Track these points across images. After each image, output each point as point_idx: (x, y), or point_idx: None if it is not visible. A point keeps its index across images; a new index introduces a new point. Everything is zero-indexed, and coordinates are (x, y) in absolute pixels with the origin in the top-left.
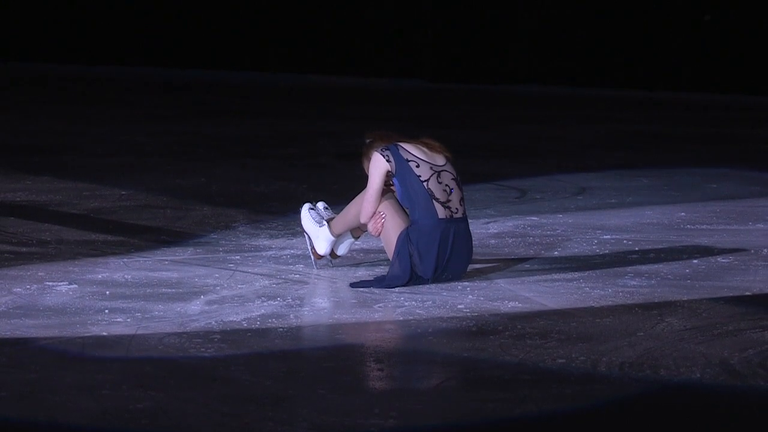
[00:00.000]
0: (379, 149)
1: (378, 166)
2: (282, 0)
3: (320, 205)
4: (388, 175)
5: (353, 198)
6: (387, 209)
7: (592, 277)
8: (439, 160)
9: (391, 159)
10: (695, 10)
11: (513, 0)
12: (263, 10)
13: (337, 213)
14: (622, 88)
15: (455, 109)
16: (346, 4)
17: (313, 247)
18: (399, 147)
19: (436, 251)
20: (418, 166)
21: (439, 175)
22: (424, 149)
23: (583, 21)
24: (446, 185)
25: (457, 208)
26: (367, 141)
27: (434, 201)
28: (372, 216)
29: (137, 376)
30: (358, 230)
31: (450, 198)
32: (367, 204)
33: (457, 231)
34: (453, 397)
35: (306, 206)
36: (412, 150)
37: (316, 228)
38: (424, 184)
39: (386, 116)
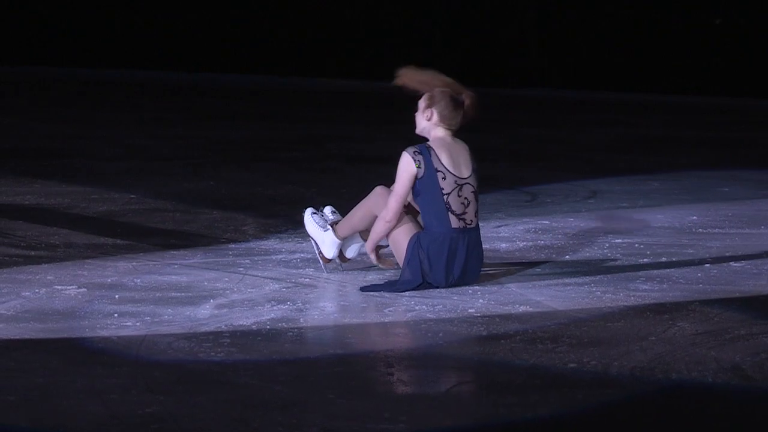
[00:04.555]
0: (412, 152)
1: (408, 169)
2: (290, 3)
3: (327, 209)
4: (414, 178)
5: (360, 201)
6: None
7: (603, 281)
8: (465, 170)
9: (422, 165)
10: (706, 13)
11: (523, 3)
12: (271, 14)
13: (341, 216)
14: (633, 92)
15: None
16: (354, 7)
17: (320, 252)
18: (432, 152)
19: (446, 259)
20: (444, 179)
21: (461, 189)
22: (452, 152)
23: (594, 25)
24: (465, 198)
25: (471, 220)
26: (428, 94)
27: (450, 213)
28: (395, 215)
29: (146, 381)
30: (366, 232)
31: (466, 210)
32: (392, 203)
33: (469, 241)
34: (464, 402)
35: (308, 211)
36: (443, 157)
37: (321, 232)
38: (445, 197)
39: (396, 119)
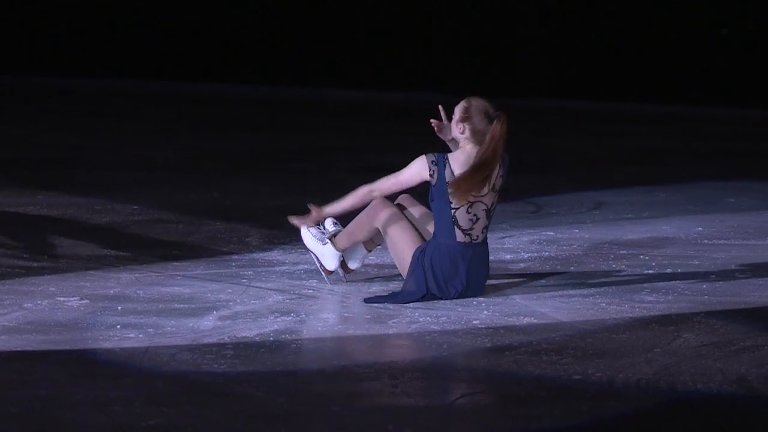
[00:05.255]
0: (429, 160)
1: (419, 172)
2: (295, 14)
3: (328, 221)
4: (422, 181)
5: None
6: (400, 226)
7: (608, 292)
8: (483, 188)
9: (435, 176)
10: (713, 24)
11: (528, 13)
12: (277, 24)
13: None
14: (638, 103)
15: None
16: (359, 17)
17: (321, 265)
18: (447, 165)
19: (449, 271)
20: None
21: (471, 206)
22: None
23: (600, 35)
24: (474, 215)
25: (477, 236)
26: (465, 105)
27: (456, 226)
28: (383, 193)
29: (149, 393)
30: (371, 243)
31: (473, 227)
32: (390, 183)
33: (473, 255)
34: (468, 414)
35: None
36: (457, 168)
37: (320, 245)
38: (452, 211)
39: (400, 130)
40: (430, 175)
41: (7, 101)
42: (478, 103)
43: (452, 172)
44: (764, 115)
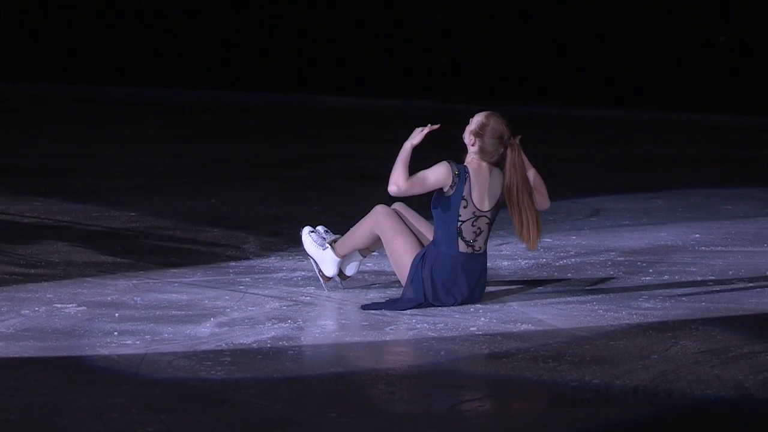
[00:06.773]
0: (453, 170)
1: (444, 177)
2: (293, 21)
3: (320, 228)
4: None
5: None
6: (401, 234)
7: (605, 299)
8: (488, 203)
9: (454, 186)
10: (710, 31)
11: (527, 21)
12: (275, 31)
13: (337, 234)
14: (637, 110)
15: None
16: (358, 25)
17: (320, 270)
18: (468, 180)
19: (450, 281)
20: (465, 207)
21: (476, 220)
22: (483, 185)
23: (598, 42)
24: (478, 228)
25: (480, 247)
26: (483, 120)
27: (459, 238)
28: (401, 190)
29: (146, 400)
30: (366, 250)
31: (476, 239)
32: (409, 185)
33: (474, 266)
34: (465, 421)
35: (306, 230)
36: (474, 190)
37: (320, 251)
38: (459, 223)
39: (399, 137)
40: (451, 185)
41: (5, 108)
42: (495, 124)
43: (470, 188)
44: (762, 122)
